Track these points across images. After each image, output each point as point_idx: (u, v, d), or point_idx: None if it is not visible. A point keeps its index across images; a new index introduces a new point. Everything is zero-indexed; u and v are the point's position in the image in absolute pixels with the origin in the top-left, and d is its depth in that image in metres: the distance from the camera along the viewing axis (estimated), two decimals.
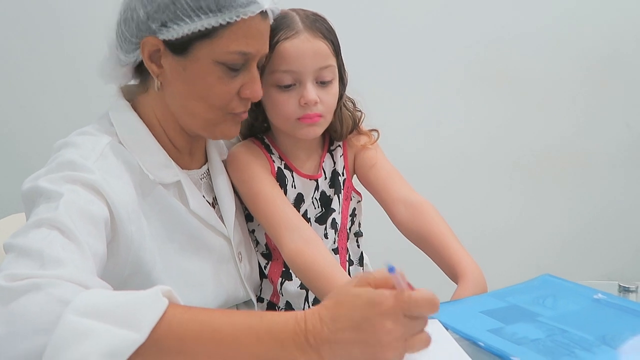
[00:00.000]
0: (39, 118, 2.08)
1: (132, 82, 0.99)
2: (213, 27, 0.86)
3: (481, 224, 2.20)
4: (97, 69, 0.97)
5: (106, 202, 0.82)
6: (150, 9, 0.87)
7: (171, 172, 0.95)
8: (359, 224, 1.18)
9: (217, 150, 1.09)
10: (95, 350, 0.58)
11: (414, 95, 2.14)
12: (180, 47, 0.88)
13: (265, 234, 1.08)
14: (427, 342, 0.63)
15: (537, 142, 2.23)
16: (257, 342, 0.63)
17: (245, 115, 0.99)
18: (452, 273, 0.97)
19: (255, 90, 0.94)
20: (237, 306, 1.07)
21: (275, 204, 1.01)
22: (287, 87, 1.00)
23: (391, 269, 0.61)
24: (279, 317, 0.65)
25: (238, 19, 0.87)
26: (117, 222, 0.83)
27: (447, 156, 2.21)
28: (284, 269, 1.09)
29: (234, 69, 0.91)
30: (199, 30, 0.86)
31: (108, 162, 0.87)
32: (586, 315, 0.82)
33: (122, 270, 0.86)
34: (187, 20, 0.85)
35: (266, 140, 1.10)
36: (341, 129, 1.11)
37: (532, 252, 2.25)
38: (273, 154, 1.09)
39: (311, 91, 0.99)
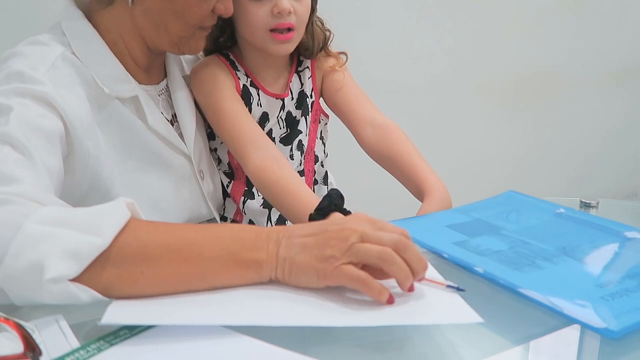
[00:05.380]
0: None
1: None
2: None
3: (449, 146, 2.21)
4: None
5: (60, 116, 0.78)
6: None
7: (128, 86, 0.91)
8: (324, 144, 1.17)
9: (177, 65, 1.04)
10: (55, 251, 0.57)
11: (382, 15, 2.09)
12: None
13: (228, 152, 1.06)
14: (371, 253, 0.60)
15: (502, 65, 2.22)
16: (220, 242, 0.63)
17: (210, 29, 0.96)
18: (418, 191, 0.97)
19: (228, 7, 0.93)
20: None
21: (241, 121, 0.98)
22: None
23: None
24: (245, 224, 0.65)
25: None
26: (73, 136, 0.79)
27: (417, 79, 2.18)
28: (246, 188, 1.07)
29: None
30: None
31: (60, 73, 0.82)
32: (548, 228, 0.83)
33: (79, 186, 0.83)
34: None
35: (231, 57, 1.05)
36: (313, 45, 1.07)
37: (499, 174, 2.29)
38: (238, 70, 1.04)
39: (285, 0, 0.95)
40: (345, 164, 1.35)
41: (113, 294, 0.60)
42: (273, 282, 0.64)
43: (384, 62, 2.11)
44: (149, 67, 0.98)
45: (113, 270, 0.59)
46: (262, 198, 1.05)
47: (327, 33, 1.10)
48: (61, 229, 0.59)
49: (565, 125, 2.33)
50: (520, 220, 0.86)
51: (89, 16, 0.90)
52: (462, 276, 0.71)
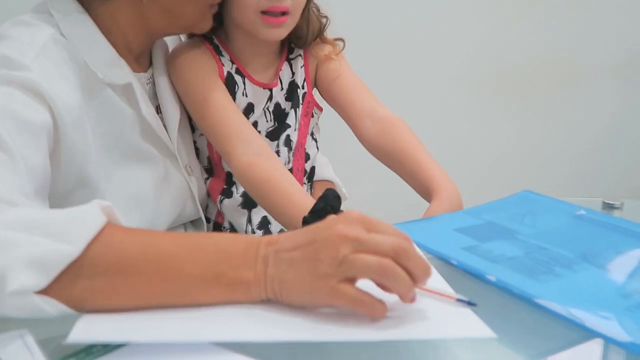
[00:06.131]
0: None
1: None
2: None
3: (455, 142, 2.13)
4: None
5: (48, 107, 0.73)
6: None
7: (121, 72, 0.86)
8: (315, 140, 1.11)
9: (162, 52, 0.98)
10: (18, 262, 0.52)
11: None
12: None
13: (209, 146, 1.00)
14: (368, 267, 0.54)
15: (511, 55, 2.14)
16: (203, 257, 0.57)
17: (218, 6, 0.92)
18: (425, 190, 0.91)
19: None
20: (184, 226, 1.01)
21: (225, 111, 0.92)
22: None
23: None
24: (231, 235, 0.60)
25: None
26: (61, 129, 0.75)
27: (417, 71, 2.10)
28: (225, 186, 1.01)
29: None
30: None
31: (50, 58, 0.77)
32: (567, 232, 0.79)
33: (64, 183, 0.78)
34: None
35: (215, 41, 0.98)
36: (307, 33, 1.00)
37: (512, 171, 2.21)
38: (223, 56, 0.98)
39: None
40: (342, 160, 1.28)
41: (84, 308, 0.55)
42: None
43: (382, 52, 2.01)
44: (140, 55, 0.93)
45: (84, 283, 0.54)
46: (241, 197, 1.00)
47: (324, 20, 1.03)
48: (27, 235, 0.54)
49: (584, 118, 2.21)
50: (537, 223, 0.81)
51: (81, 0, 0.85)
52: (473, 285, 0.66)
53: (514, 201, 0.89)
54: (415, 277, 0.55)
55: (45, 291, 0.53)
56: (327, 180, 1.13)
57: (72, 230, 0.55)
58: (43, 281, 0.52)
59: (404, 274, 0.54)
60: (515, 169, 2.22)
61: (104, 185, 0.83)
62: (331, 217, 0.58)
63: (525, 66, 2.16)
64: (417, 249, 0.58)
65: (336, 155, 1.21)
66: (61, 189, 0.78)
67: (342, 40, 1.06)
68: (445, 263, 0.70)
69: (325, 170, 1.13)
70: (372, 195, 1.78)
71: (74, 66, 0.80)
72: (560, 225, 0.81)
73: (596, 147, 2.26)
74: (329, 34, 1.05)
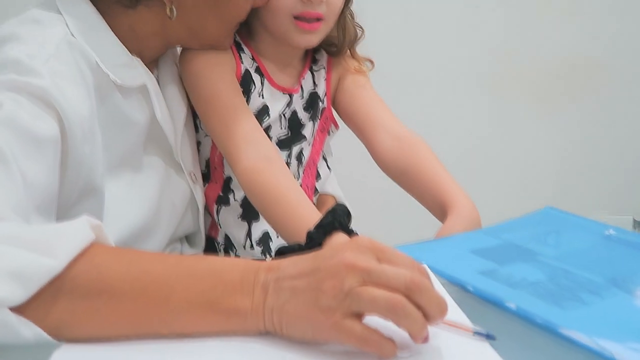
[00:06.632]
0: None
1: None
2: None
3: (472, 151, 2.08)
4: None
5: (58, 117, 0.70)
6: None
7: (135, 72, 0.83)
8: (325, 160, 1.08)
9: (170, 55, 0.96)
10: None
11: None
12: None
13: (212, 148, 0.96)
14: (377, 303, 0.49)
15: (539, 52, 2.07)
16: (195, 282, 0.54)
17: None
18: (439, 207, 0.87)
19: None
20: (180, 242, 0.98)
21: (235, 110, 0.88)
22: None
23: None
24: (227, 259, 0.58)
25: None
26: (69, 141, 0.72)
27: (435, 70, 2.04)
28: (221, 194, 0.97)
29: None
30: None
31: (63, 61, 0.74)
32: (595, 254, 0.75)
33: (69, 194, 0.75)
34: None
35: (237, 37, 0.95)
36: (343, 42, 0.98)
37: (532, 186, 2.14)
38: (244, 52, 0.94)
39: None
40: (351, 176, 1.25)
41: (63, 334, 0.52)
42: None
43: (398, 51, 1.97)
44: (152, 60, 0.91)
45: (64, 303, 0.52)
46: (241, 207, 0.96)
47: (359, 31, 1.00)
48: (7, 247, 0.52)
49: (615, 125, 2.12)
50: (561, 244, 0.77)
51: (96, 4, 0.83)
52: (491, 314, 0.62)
53: (536, 219, 0.85)
54: (429, 315, 0.50)
55: (22, 310, 0.50)
56: (330, 195, 1.09)
57: (57, 245, 0.53)
58: (21, 295, 0.50)
59: (417, 312, 0.49)
60: (538, 181, 2.15)
61: (108, 194, 0.81)
62: (339, 243, 0.55)
63: (556, 63, 2.08)
64: (434, 281, 0.54)
65: (342, 172, 1.18)
66: (65, 199, 0.75)
67: (370, 61, 1.04)
68: (461, 289, 0.66)
69: (329, 183, 1.10)
70: (378, 213, 1.74)
71: (86, 69, 0.77)
72: (587, 246, 0.77)
73: (626, 158, 2.18)
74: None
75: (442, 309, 0.51)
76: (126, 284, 0.53)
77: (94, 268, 0.53)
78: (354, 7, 0.98)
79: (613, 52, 2.11)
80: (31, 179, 0.65)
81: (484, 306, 0.63)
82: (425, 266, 0.63)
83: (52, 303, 0.51)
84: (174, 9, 0.82)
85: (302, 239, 0.72)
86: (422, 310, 0.50)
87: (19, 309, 0.50)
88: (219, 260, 0.58)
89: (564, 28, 2.07)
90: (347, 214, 0.73)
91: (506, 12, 2.05)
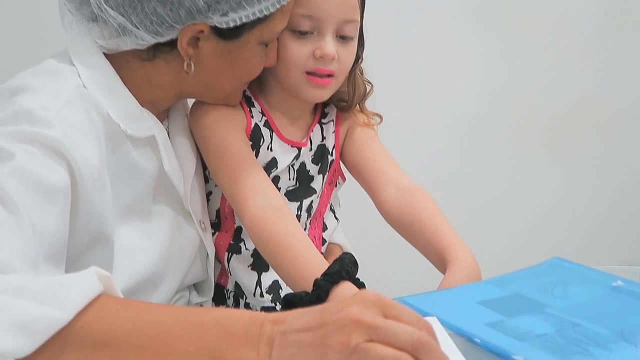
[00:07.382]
0: None
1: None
2: (270, 11, 0.80)
3: (477, 199, 2.05)
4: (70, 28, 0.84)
5: (68, 167, 0.71)
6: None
7: (144, 124, 0.84)
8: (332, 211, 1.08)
9: (182, 106, 0.97)
10: (4, 325, 0.50)
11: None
12: (232, 33, 0.81)
13: (222, 199, 0.97)
14: (384, 358, 0.48)
15: (545, 95, 2.06)
16: (201, 333, 0.54)
17: None
18: (440, 258, 0.86)
19: (273, 58, 0.90)
20: (189, 289, 0.97)
21: (244, 162, 0.88)
22: (303, 34, 0.88)
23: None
24: (233, 310, 0.57)
25: None
26: (80, 190, 0.73)
27: (437, 116, 2.03)
28: (232, 242, 0.98)
29: (267, 44, 0.87)
30: (257, 17, 0.80)
31: (75, 111, 0.75)
32: (603, 306, 0.73)
33: (79, 242, 0.76)
34: (248, 7, 0.79)
35: (247, 92, 0.97)
36: (352, 98, 0.99)
37: (539, 236, 2.11)
38: (254, 107, 0.96)
39: (330, 44, 0.87)
40: (356, 228, 1.24)
41: None
42: None
43: (406, 91, 1.97)
44: (163, 110, 0.93)
45: (71, 355, 0.52)
46: (252, 257, 0.96)
47: (368, 86, 1.02)
48: (15, 299, 0.52)
49: (623, 172, 2.11)
50: (569, 296, 0.75)
51: (110, 57, 0.84)
52: None
53: (543, 270, 0.83)
54: None
55: None
56: (336, 244, 1.09)
57: (64, 296, 0.53)
58: (28, 346, 0.50)
59: None
60: (546, 231, 2.12)
61: (118, 242, 0.81)
62: (345, 297, 0.55)
63: (562, 107, 2.06)
64: (442, 332, 0.54)
65: (347, 221, 1.18)
66: (75, 247, 0.76)
67: (379, 116, 1.05)
68: (467, 341, 0.64)
69: (336, 233, 1.09)
70: (383, 262, 1.72)
71: (97, 118, 0.79)
72: (595, 298, 0.75)
73: (633, 207, 2.15)
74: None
75: None
76: (132, 335, 0.53)
77: (101, 319, 0.54)
78: (363, 63, 0.99)
79: (620, 95, 2.10)
80: (41, 228, 0.66)
81: (491, 358, 0.61)
82: (435, 318, 0.63)
83: (59, 355, 0.51)
84: (192, 64, 0.83)
85: (308, 287, 0.71)
86: None
87: None
88: (225, 312, 0.58)
89: (570, 72, 2.08)
90: (354, 263, 0.73)
91: (512, 57, 2.06)
